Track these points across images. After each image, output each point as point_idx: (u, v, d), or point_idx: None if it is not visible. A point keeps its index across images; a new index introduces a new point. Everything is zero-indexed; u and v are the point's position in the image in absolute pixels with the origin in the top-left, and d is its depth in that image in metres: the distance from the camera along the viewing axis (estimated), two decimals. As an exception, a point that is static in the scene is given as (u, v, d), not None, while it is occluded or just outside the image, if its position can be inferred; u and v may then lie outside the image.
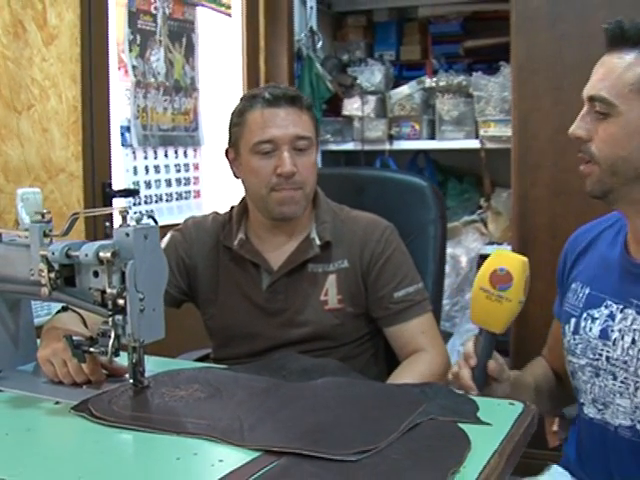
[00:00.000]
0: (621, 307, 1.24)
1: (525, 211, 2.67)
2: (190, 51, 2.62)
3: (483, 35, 3.30)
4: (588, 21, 2.67)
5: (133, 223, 1.21)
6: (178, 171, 2.60)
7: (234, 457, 0.95)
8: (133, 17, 2.34)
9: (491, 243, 3.11)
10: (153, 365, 1.33)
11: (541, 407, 1.48)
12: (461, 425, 1.05)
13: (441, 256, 1.87)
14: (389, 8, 3.49)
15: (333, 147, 3.30)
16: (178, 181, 2.61)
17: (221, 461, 0.94)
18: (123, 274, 1.15)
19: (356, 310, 1.61)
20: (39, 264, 1.21)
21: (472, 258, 3.09)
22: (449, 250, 3.12)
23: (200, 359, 1.76)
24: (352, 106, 3.18)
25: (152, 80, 2.42)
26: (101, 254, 1.14)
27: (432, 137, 3.16)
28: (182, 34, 2.57)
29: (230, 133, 1.61)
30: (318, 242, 1.59)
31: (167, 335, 1.68)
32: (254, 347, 1.59)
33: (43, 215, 1.26)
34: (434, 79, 3.12)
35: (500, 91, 2.96)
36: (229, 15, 2.86)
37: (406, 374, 1.52)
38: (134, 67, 2.34)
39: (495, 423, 1.07)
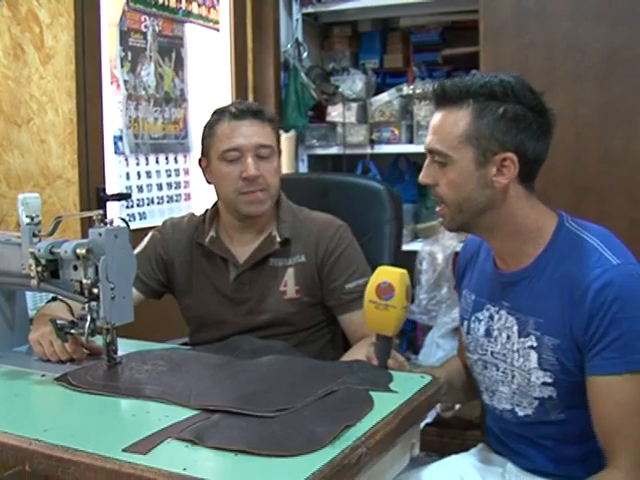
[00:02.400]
0: (497, 309, 1.46)
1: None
2: (179, 65, 2.85)
3: (460, 44, 3.49)
4: (552, 32, 2.87)
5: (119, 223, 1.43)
6: (169, 176, 2.83)
7: (178, 414, 1.17)
8: (124, 35, 2.57)
9: (466, 241, 3.30)
10: (130, 346, 1.56)
11: (455, 397, 1.73)
12: (372, 393, 1.27)
13: (396, 252, 2.07)
14: (373, 19, 3.68)
15: (319, 151, 3.51)
16: (169, 185, 2.84)
17: (167, 416, 1.16)
18: (97, 267, 1.38)
19: (312, 300, 1.82)
20: (28, 260, 1.44)
21: (448, 255, 3.28)
22: (427, 247, 3.33)
23: (184, 344, 1.98)
24: (335, 112, 3.39)
25: (143, 93, 2.66)
26: (78, 251, 1.37)
27: (410, 141, 3.35)
28: (171, 49, 2.80)
29: (202, 144, 1.84)
30: (278, 239, 1.81)
31: (158, 323, 1.92)
32: (223, 333, 1.80)
33: (33, 218, 1.49)
34: (411, 87, 3.32)
35: (472, 98, 3.15)
36: (217, 30, 3.08)
37: (353, 356, 1.73)
38: (126, 81, 2.57)
39: (401, 391, 1.29)
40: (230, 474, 0.97)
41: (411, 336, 3.60)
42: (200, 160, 1.87)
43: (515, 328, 1.41)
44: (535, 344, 1.37)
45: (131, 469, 0.98)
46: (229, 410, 1.16)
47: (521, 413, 1.44)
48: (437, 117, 1.39)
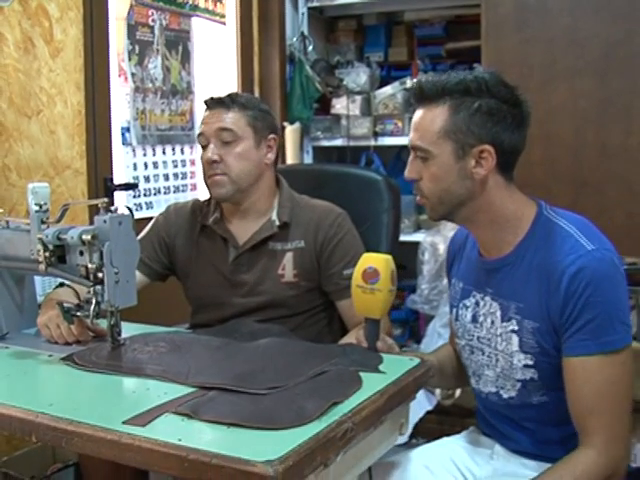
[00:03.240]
0: (482, 296, 1.52)
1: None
2: (186, 58, 2.92)
3: (463, 38, 3.54)
4: (551, 27, 2.93)
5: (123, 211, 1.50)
6: (175, 166, 2.90)
7: (176, 391, 1.24)
8: (132, 29, 2.64)
9: (468, 232, 3.35)
10: (134, 330, 1.63)
11: (446, 383, 1.81)
12: (361, 373, 1.33)
13: (393, 241, 2.12)
14: (378, 13, 3.74)
15: (324, 143, 3.58)
16: (175, 175, 2.91)
17: (165, 393, 1.23)
18: (102, 253, 1.44)
19: (309, 284, 1.88)
20: (37, 245, 1.51)
21: (449, 246, 3.34)
22: (428, 238, 3.39)
23: (188, 328, 2.05)
24: (339, 105, 3.45)
25: (150, 85, 2.73)
26: (84, 237, 1.44)
27: (413, 134, 3.40)
28: (178, 43, 2.87)
29: None
30: (277, 222, 1.88)
31: (163, 308, 1.98)
32: (222, 314, 1.87)
33: (41, 206, 1.56)
34: (414, 80, 3.37)
35: (474, 91, 3.21)
36: (223, 23, 3.15)
37: (349, 341, 1.79)
38: (133, 74, 2.64)
39: (389, 372, 1.35)
40: (221, 444, 1.03)
41: (413, 325, 3.67)
42: None
43: (498, 313, 1.47)
44: (516, 328, 1.43)
45: (130, 439, 1.05)
46: (224, 387, 1.22)
47: (505, 395, 1.50)
48: (417, 115, 1.45)
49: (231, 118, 1.85)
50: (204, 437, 1.07)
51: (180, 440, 1.04)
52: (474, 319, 1.54)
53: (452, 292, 1.64)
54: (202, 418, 1.11)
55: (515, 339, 1.44)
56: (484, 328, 1.51)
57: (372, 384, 1.28)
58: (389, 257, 1.50)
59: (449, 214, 1.47)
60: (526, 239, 1.44)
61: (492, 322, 1.49)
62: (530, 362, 1.43)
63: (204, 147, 1.86)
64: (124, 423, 1.10)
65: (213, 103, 1.87)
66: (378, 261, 1.49)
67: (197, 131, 2.94)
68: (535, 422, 1.49)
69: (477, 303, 1.53)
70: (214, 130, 1.84)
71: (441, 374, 1.66)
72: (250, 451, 1.00)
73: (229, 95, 1.89)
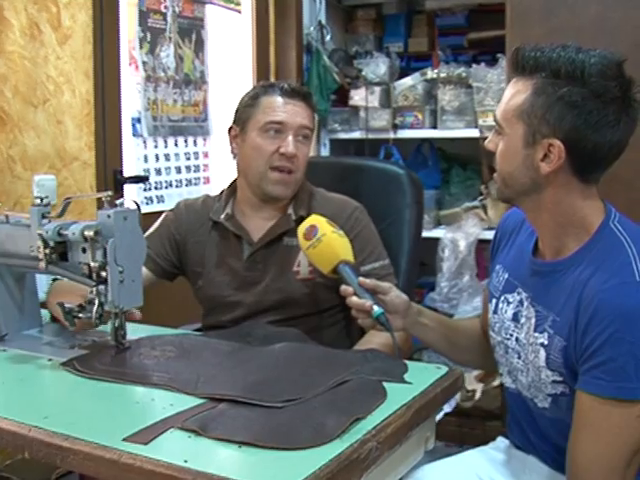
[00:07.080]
0: (526, 296, 1.37)
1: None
2: (200, 46, 2.81)
3: (487, 27, 3.41)
4: (579, 15, 2.79)
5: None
6: (188, 159, 2.80)
7: (184, 403, 1.14)
8: (144, 16, 2.53)
9: (490, 228, 3.22)
10: (141, 331, 1.52)
11: (453, 355, 1.63)
12: (385, 384, 1.22)
13: (415, 237, 2.02)
14: (398, 1, 3.62)
15: (341, 136, 3.46)
16: (188, 168, 2.80)
17: (172, 405, 1.13)
18: (105, 250, 1.34)
19: (326, 282, 1.76)
20: (37, 241, 1.41)
21: (471, 243, 3.22)
22: (449, 235, 3.27)
23: (198, 330, 1.95)
24: (358, 96, 3.34)
25: (162, 74, 2.62)
26: (86, 233, 1.34)
27: (434, 126, 3.29)
28: (192, 31, 2.76)
29: (239, 112, 1.82)
30: (294, 217, 1.78)
31: (176, 307, 1.89)
32: (236, 314, 1.77)
33: (42, 199, 1.46)
34: (435, 71, 3.26)
35: (498, 82, 3.09)
36: (239, 12, 3.04)
37: (367, 345, 1.68)
38: (144, 63, 2.54)
39: (416, 383, 1.24)
40: (232, 467, 0.93)
41: (432, 325, 3.55)
42: (231, 128, 1.84)
43: (533, 321, 1.33)
44: (546, 342, 1.29)
45: (130, 459, 0.95)
46: (236, 399, 1.12)
47: (540, 405, 1.37)
48: (509, 84, 1.31)
49: (310, 116, 1.80)
50: (213, 458, 0.97)
51: (186, 462, 0.93)
52: (515, 318, 1.39)
53: (494, 280, 1.48)
54: (211, 435, 1.01)
55: (542, 354, 1.30)
56: (523, 331, 1.37)
57: (397, 396, 1.18)
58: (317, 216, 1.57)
59: (513, 200, 1.35)
60: (584, 248, 1.28)
61: (528, 328, 1.35)
62: (559, 378, 1.29)
63: (270, 134, 1.75)
64: (125, 440, 1.00)
65: (298, 95, 1.78)
66: (309, 220, 1.54)
67: (212, 122, 2.88)
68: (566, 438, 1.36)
69: (521, 302, 1.38)
70: (298, 124, 1.76)
71: (452, 346, 1.57)
72: (264, 475, 0.90)
73: (308, 90, 1.85)
